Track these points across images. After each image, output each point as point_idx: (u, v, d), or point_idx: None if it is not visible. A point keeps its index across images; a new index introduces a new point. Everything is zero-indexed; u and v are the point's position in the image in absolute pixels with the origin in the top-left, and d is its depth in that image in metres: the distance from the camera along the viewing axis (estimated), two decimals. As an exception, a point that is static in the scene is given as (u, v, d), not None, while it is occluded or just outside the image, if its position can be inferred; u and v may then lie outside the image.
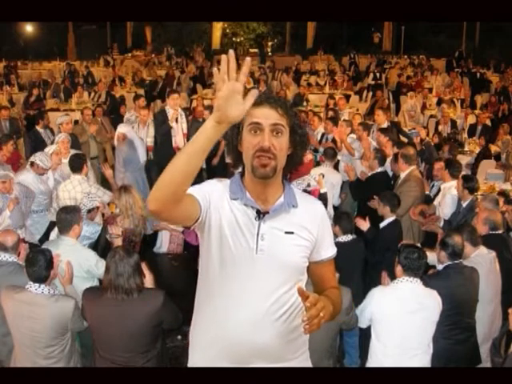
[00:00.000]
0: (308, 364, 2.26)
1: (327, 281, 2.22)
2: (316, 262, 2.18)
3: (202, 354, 2.18)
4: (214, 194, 2.06)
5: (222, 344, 2.10)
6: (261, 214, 2.04)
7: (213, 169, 7.70)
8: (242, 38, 27.36)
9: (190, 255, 4.73)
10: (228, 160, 1.97)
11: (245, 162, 2.04)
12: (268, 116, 1.96)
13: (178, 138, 7.47)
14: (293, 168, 2.11)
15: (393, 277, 3.63)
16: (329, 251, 2.19)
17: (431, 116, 11.96)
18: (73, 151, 6.29)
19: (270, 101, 1.98)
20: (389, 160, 6.32)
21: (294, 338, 2.14)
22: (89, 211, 4.98)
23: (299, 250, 2.08)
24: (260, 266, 2.03)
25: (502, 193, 5.95)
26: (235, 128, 2.03)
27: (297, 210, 2.08)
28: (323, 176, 5.84)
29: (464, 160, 7.97)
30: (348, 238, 4.53)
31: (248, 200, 2.04)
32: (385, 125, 7.64)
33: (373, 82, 15.56)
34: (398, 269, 3.54)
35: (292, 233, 2.06)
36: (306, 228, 2.09)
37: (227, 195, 2.07)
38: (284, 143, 1.99)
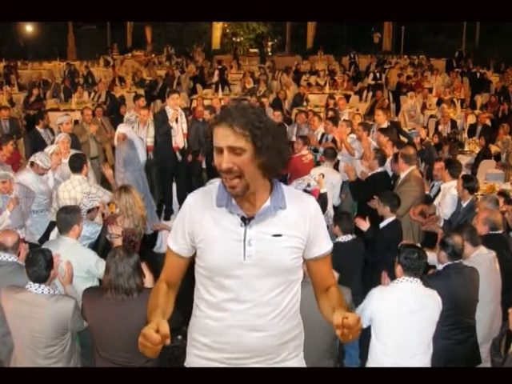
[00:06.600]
0: (302, 365, 2.26)
1: (325, 278, 2.20)
2: (310, 260, 2.16)
3: (197, 355, 2.19)
4: (194, 216, 2.09)
5: (217, 347, 2.11)
6: (246, 220, 2.03)
7: (213, 169, 7.69)
8: (242, 38, 27.35)
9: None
10: (214, 162, 2.01)
11: None
12: (225, 137, 1.92)
13: (177, 138, 7.44)
14: (278, 170, 2.04)
15: (393, 277, 3.63)
16: (322, 248, 2.15)
17: (431, 116, 11.96)
18: (73, 151, 6.28)
19: (227, 119, 1.92)
20: (389, 160, 6.32)
21: (288, 341, 2.14)
22: (89, 211, 4.98)
23: (289, 251, 2.06)
24: (249, 271, 2.03)
25: (502, 193, 5.94)
26: (209, 137, 2.02)
27: (285, 211, 2.06)
28: (323, 176, 5.84)
29: (464, 160, 7.97)
30: (348, 238, 4.53)
31: (233, 207, 2.04)
32: (385, 125, 7.63)
33: (373, 82, 15.55)
34: (398, 269, 3.54)
35: (280, 235, 2.04)
36: (295, 228, 2.07)
37: (213, 202, 2.07)
38: (247, 159, 1.93)
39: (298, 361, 2.23)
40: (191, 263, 2.22)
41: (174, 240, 2.19)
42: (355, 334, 1.82)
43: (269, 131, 1.96)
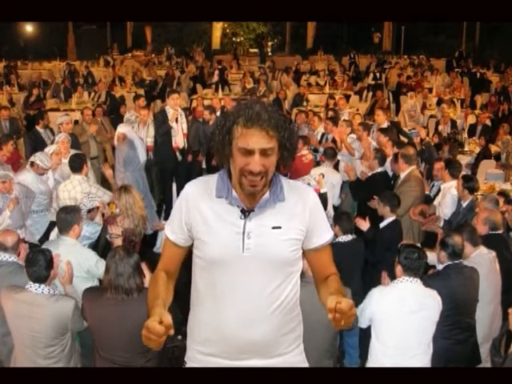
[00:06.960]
0: (302, 357, 2.26)
1: (325, 267, 2.20)
2: (310, 250, 2.17)
3: (197, 350, 2.19)
4: (192, 206, 2.08)
5: (217, 340, 2.11)
6: (246, 213, 2.03)
7: (213, 169, 7.70)
8: (242, 38, 27.35)
9: (189, 255, 4.74)
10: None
11: (232, 172, 2.03)
12: (258, 140, 1.92)
13: (177, 138, 7.46)
14: (286, 166, 2.09)
15: (393, 277, 3.63)
16: (321, 238, 2.16)
17: (431, 116, 11.96)
18: (73, 151, 6.28)
19: (260, 123, 1.92)
20: (389, 160, 6.32)
21: (287, 332, 2.14)
22: (89, 211, 4.98)
23: (288, 243, 2.07)
24: (248, 264, 2.03)
25: (502, 193, 5.94)
26: (225, 135, 1.98)
27: (284, 203, 2.07)
28: (323, 176, 5.85)
29: (464, 160, 7.97)
30: (348, 237, 4.53)
31: (233, 199, 2.04)
32: (385, 125, 7.64)
33: (373, 82, 15.55)
34: (398, 269, 3.54)
35: (280, 227, 2.05)
36: (294, 220, 2.08)
37: (212, 193, 2.07)
38: (274, 160, 1.98)
39: (298, 353, 2.22)
40: (191, 263, 2.21)
41: (171, 229, 2.17)
42: (348, 321, 1.79)
43: (290, 129, 2.01)
